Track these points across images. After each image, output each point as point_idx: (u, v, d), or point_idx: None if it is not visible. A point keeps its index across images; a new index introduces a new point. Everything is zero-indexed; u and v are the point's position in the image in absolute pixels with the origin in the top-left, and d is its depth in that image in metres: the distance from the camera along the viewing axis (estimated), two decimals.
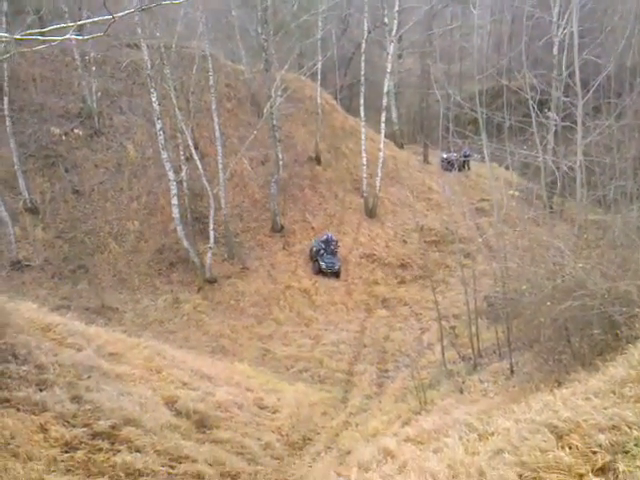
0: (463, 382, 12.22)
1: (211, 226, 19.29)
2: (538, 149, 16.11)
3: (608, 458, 4.75)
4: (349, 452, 9.92)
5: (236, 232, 21.48)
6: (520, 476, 5.17)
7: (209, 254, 19.18)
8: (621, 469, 4.49)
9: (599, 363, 7.37)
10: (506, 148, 14.14)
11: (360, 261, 21.37)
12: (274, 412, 11.73)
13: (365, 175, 22.97)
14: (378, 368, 15.56)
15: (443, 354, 14.36)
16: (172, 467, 7.74)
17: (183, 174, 19.62)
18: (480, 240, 16.95)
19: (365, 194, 23.08)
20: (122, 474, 7.07)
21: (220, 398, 10.55)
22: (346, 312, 19.40)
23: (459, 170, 24.40)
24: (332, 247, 20.53)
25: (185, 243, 19.03)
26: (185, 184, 20.00)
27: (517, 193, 15.63)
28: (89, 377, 8.62)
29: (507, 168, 19.67)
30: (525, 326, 10.91)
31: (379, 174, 22.85)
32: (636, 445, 4.67)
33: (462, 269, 15.54)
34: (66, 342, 9.41)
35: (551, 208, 14.74)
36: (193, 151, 19.41)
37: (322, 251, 20.32)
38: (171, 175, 18.97)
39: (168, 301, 18.40)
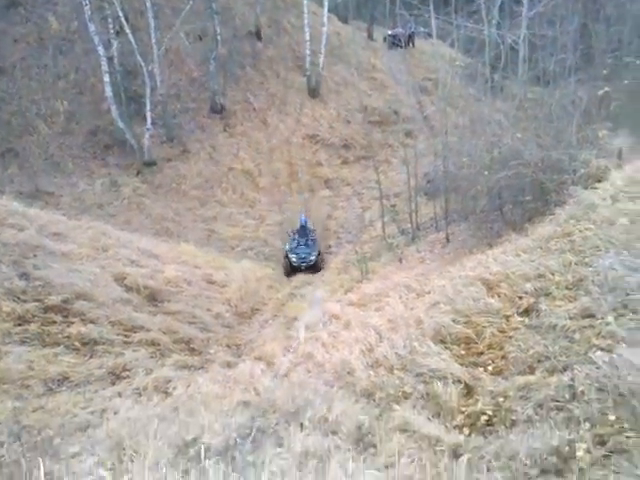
0: (402, 253, 12.93)
1: (147, 106, 18.33)
2: (484, 22, 15.85)
3: (532, 301, 5.32)
4: (295, 318, 10.49)
5: (174, 113, 20.54)
6: (454, 321, 5.73)
7: (147, 136, 18.41)
8: (543, 308, 5.05)
9: (529, 227, 7.94)
10: (452, 21, 13.81)
11: (303, 142, 21.14)
12: (222, 286, 12.06)
13: (308, 52, 22.01)
14: (322, 245, 16.06)
15: (384, 229, 15.00)
16: (127, 336, 8.00)
17: (114, 49, 18.16)
18: (423, 117, 17.04)
19: (308, 73, 22.27)
20: (78, 344, 7.27)
21: (169, 275, 10.69)
22: (290, 193, 19.52)
23: (403, 47, 23.76)
24: (308, 235, 15.19)
25: (120, 124, 18.10)
26: (116, 60, 18.59)
27: (462, 64, 15.51)
28: (35, 256, 8.50)
29: (452, 45, 19.38)
30: (463, 197, 11.45)
31: (322, 51, 21.96)
32: (557, 288, 5.21)
33: (404, 149, 15.80)
34: (7, 222, 9.11)
35: (492, 83, 14.82)
36: (124, 23, 17.82)
37: (296, 243, 15.00)
38: (101, 50, 17.53)
39: (106, 185, 17.83)
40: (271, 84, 22.83)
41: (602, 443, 3.22)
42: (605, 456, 3.14)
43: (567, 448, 3.24)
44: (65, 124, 18.87)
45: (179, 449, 4.41)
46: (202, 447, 4.19)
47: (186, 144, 19.90)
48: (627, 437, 3.14)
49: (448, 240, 11.63)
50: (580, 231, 5.90)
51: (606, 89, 9.52)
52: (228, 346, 9.42)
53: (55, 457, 4.45)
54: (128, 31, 17.84)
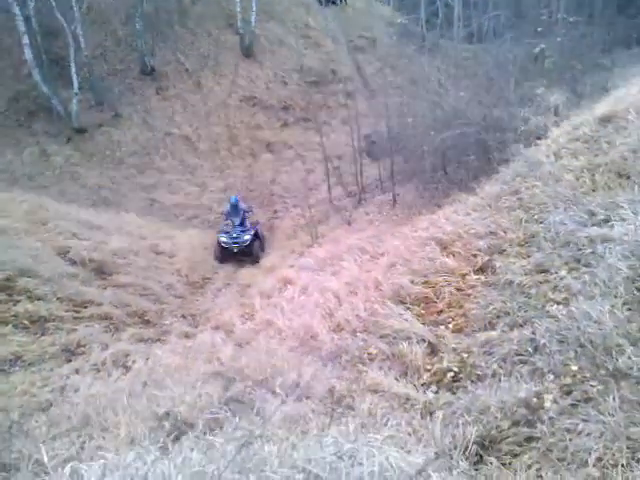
0: (350, 215, 13.05)
1: (73, 69, 17.17)
2: None
3: (486, 258, 5.54)
4: (249, 285, 10.46)
5: (102, 76, 19.39)
6: (412, 281, 5.90)
7: (74, 101, 17.32)
8: (497, 265, 5.27)
9: (474, 186, 8.18)
10: None
11: (241, 105, 20.54)
12: (171, 257, 11.82)
13: (239, 9, 21.19)
14: (268, 210, 15.94)
15: (330, 192, 15.02)
16: (77, 312, 7.76)
17: (31, 8, 16.78)
18: (361, 77, 16.95)
19: (241, 31, 21.52)
20: (27, 322, 7.00)
21: (114, 246, 10.34)
22: (231, 158, 19.06)
23: (336, 4, 23.32)
24: (241, 214, 12.76)
25: (44, 88, 16.92)
26: (34, 20, 17.22)
27: (399, 21, 15.44)
28: None
29: (386, 3, 19.23)
30: (408, 158, 11.61)
31: (254, 8, 21.21)
32: (510, 245, 5.45)
33: (346, 109, 15.72)
34: None
35: (429, 41, 14.89)
36: None
37: (227, 225, 12.85)
38: (16, 9, 16.16)
39: (35, 154, 16.76)
40: (202, 43, 21.88)
41: (568, 393, 3.42)
42: (572, 405, 3.33)
43: (535, 399, 3.43)
44: None
45: (153, 424, 4.37)
46: (179, 419, 4.17)
47: (117, 108, 18.90)
48: (591, 386, 3.35)
49: (395, 201, 11.82)
50: (527, 188, 6.14)
51: (542, 46, 9.78)
52: (183, 316, 9.32)
53: (22, 437, 4.33)
54: None
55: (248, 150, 19.30)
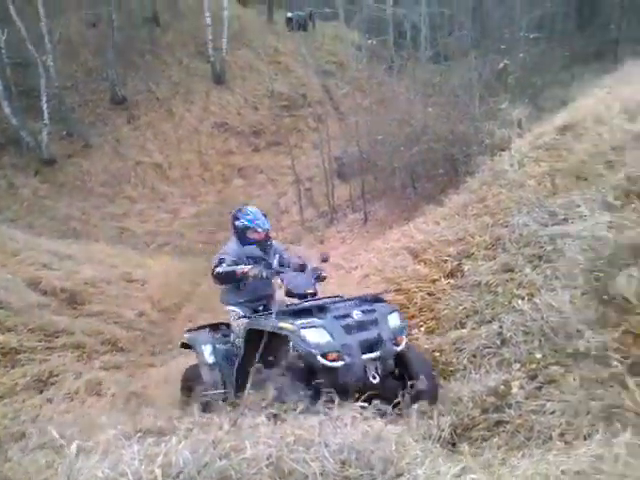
0: (322, 235, 13.16)
1: (43, 100, 17.14)
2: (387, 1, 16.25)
3: (456, 263, 5.66)
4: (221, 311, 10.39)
5: (72, 106, 19.40)
6: (385, 290, 5.96)
7: (44, 132, 17.26)
8: (466, 268, 5.40)
9: (443, 198, 8.35)
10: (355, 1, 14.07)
11: (212, 131, 20.67)
12: (143, 284, 11.69)
13: (210, 37, 21.49)
14: None
15: (302, 213, 15.15)
16: (49, 342, 7.62)
17: (2, 40, 16.81)
18: (330, 100, 17.28)
19: (212, 59, 21.79)
20: None
21: (85, 275, 10.21)
22: (203, 184, 19.11)
23: (305, 29, 23.82)
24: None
25: (14, 121, 16.85)
26: (4, 51, 17.20)
27: (366, 45, 15.83)
28: None
29: (354, 27, 19.67)
30: (378, 176, 11.81)
31: (224, 36, 21.54)
32: (477, 249, 5.58)
33: (316, 133, 15.97)
34: None
35: (397, 63, 15.30)
36: (11, 8, 16.47)
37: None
38: None
39: (2, 187, 16.61)
40: (173, 71, 22.10)
41: (533, 378, 3.60)
42: (537, 388, 3.51)
43: (503, 387, 3.57)
44: None
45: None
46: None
47: (88, 138, 18.88)
48: (554, 369, 3.52)
49: (367, 219, 11.96)
50: (493, 195, 6.32)
51: (505, 62, 10.16)
52: (156, 344, 9.23)
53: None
54: (16, 18, 16.57)
55: (220, 176, 19.37)
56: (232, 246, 4.62)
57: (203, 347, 4.74)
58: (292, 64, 22.83)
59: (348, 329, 3.71)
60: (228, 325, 4.88)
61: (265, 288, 4.64)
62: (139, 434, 2.63)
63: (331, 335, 3.59)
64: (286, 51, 23.51)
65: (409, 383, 3.70)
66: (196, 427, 2.35)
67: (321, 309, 3.85)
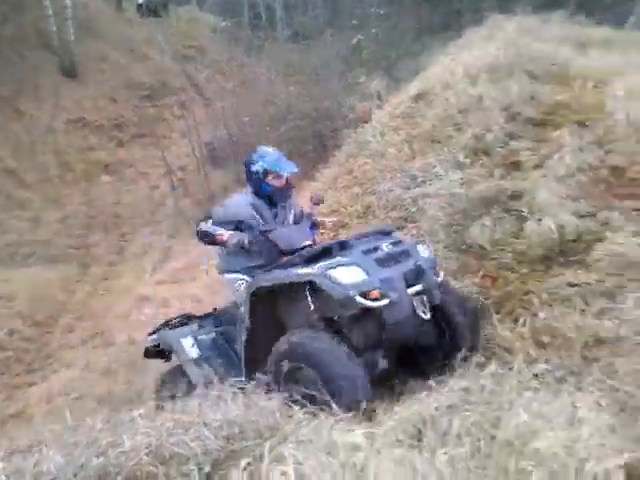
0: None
1: None
2: None
3: (332, 234, 5.85)
4: (103, 316, 9.92)
5: None
6: None
7: None
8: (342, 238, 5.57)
9: (315, 174, 8.53)
10: None
11: (68, 128, 19.19)
12: (10, 300, 10.83)
13: (54, 28, 19.81)
14: (115, 234, 15.15)
15: (177, 205, 14.71)
16: None
17: None
18: (192, 86, 16.83)
19: (59, 51, 20.14)
20: None
21: None
22: (65, 186, 17.78)
23: (158, 15, 22.84)
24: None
25: None
26: None
27: (228, 24, 15.56)
28: None
29: (208, 10, 19.26)
30: None
31: (70, 26, 19.97)
32: (351, 219, 5.81)
33: (182, 120, 15.49)
34: None
35: (255, 44, 15.23)
36: None
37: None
38: None
39: None
40: (17, 67, 20.10)
41: None
42: None
43: None
44: None
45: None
46: None
47: None
48: None
49: None
50: (359, 166, 6.58)
51: (359, 37, 10.48)
52: (32, 361, 8.59)
53: None
54: None
55: (83, 175, 18.11)
56: (237, 199, 3.74)
57: (182, 342, 3.90)
58: (149, 51, 21.85)
59: (381, 263, 3.13)
60: (196, 315, 4.27)
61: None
62: (9, 452, 2.45)
63: (366, 272, 3.00)
64: (141, 38, 22.41)
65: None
66: (68, 431, 2.23)
67: (343, 246, 3.21)
